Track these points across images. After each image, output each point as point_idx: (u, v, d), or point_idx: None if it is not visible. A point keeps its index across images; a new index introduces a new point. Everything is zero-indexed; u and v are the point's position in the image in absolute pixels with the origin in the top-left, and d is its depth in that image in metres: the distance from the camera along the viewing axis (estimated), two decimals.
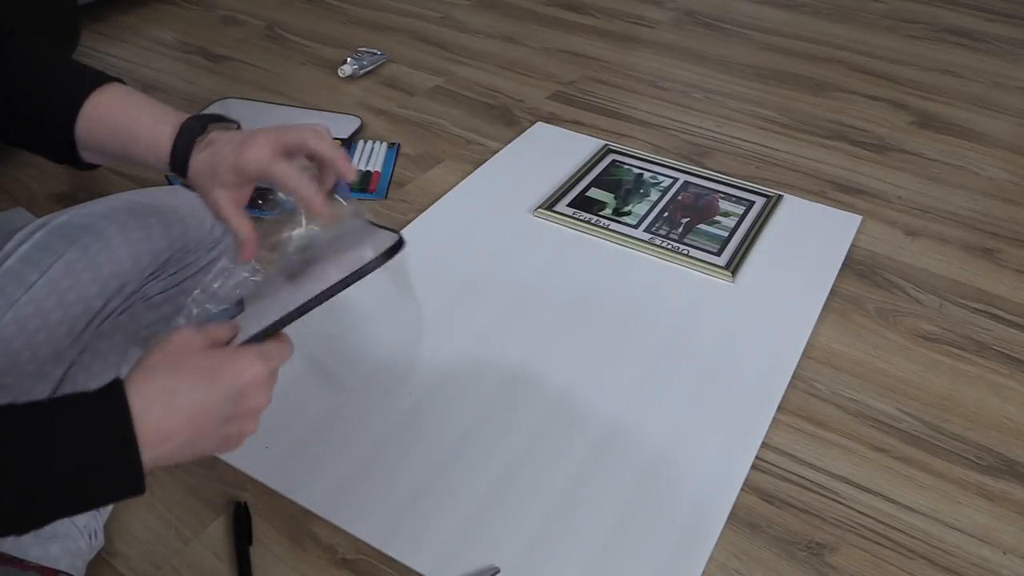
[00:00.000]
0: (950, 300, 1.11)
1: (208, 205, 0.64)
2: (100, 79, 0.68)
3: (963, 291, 1.13)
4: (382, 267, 0.56)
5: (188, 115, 0.66)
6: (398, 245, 0.56)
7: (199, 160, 0.64)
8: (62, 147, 0.67)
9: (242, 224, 0.64)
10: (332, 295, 0.55)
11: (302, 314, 0.55)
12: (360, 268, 0.55)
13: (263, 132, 0.62)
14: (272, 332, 0.56)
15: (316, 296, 0.55)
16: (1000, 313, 1.09)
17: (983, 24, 1.93)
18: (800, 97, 1.61)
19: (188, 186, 0.67)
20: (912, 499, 0.85)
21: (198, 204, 0.72)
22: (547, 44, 1.80)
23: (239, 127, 0.69)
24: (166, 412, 0.50)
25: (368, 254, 0.56)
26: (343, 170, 0.62)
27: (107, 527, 0.77)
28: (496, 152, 1.40)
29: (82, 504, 0.50)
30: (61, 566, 0.68)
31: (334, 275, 0.56)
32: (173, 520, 0.81)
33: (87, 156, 0.68)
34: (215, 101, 1.53)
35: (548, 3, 2.01)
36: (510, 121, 1.50)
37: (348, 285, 0.55)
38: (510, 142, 1.43)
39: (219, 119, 0.67)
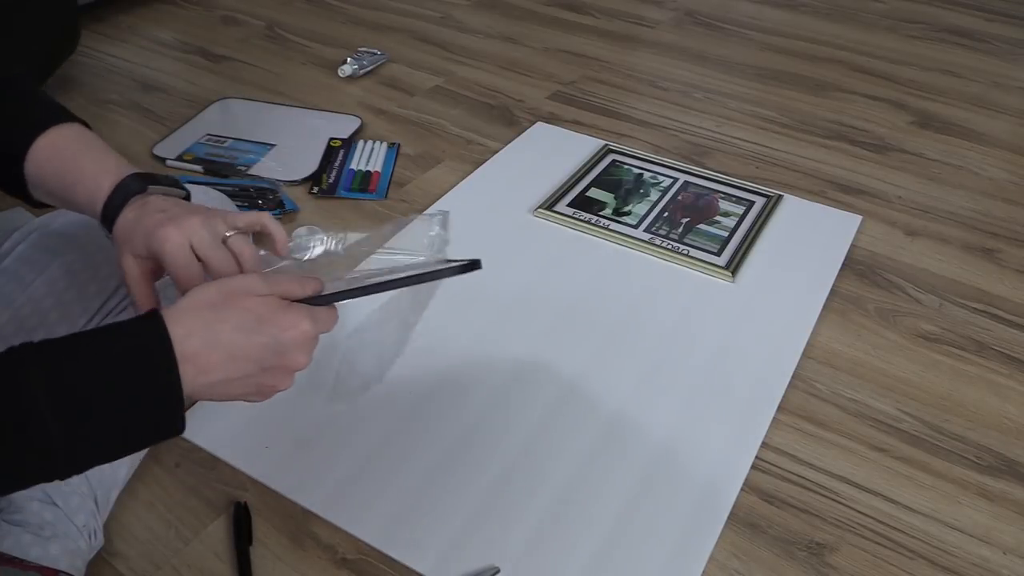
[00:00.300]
0: (950, 300, 1.11)
1: (118, 267, 0.63)
2: (58, 118, 0.66)
3: (963, 291, 1.13)
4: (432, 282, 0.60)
5: (133, 170, 0.64)
6: (476, 263, 0.60)
7: (126, 219, 0.62)
8: (14, 182, 0.66)
9: (143, 299, 0.63)
10: (401, 285, 0.58)
11: (364, 294, 0.58)
12: (437, 269, 0.60)
13: (189, 218, 0.61)
14: (328, 302, 0.58)
15: (385, 281, 0.58)
16: (1000, 313, 1.09)
17: (983, 24, 1.93)
18: (800, 97, 1.61)
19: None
20: (912, 499, 0.85)
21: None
22: (547, 44, 1.80)
23: (188, 196, 0.68)
24: (206, 345, 0.51)
25: (446, 263, 0.60)
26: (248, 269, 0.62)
27: (107, 527, 0.77)
28: (496, 152, 1.40)
29: (122, 439, 0.50)
30: (61, 566, 0.68)
31: (408, 270, 0.60)
32: (173, 520, 0.81)
33: (36, 194, 0.67)
34: (215, 101, 1.53)
35: (548, 3, 2.01)
36: (510, 121, 1.50)
37: (419, 281, 0.59)
38: (510, 142, 1.43)
39: (164, 181, 0.66)
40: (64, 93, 1.57)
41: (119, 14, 1.88)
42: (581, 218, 1.22)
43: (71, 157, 0.64)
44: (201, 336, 0.51)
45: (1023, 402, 0.96)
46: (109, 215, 0.62)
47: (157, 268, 0.63)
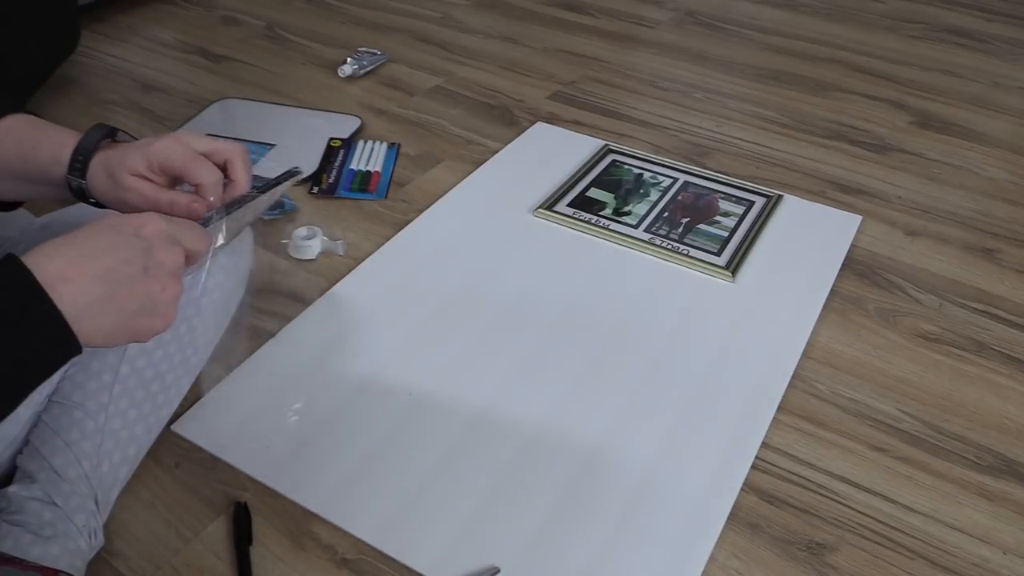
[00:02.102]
0: (950, 300, 1.11)
1: (120, 196, 0.67)
2: (7, 109, 0.70)
3: (963, 291, 1.13)
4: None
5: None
6: (296, 171, 0.81)
7: (105, 155, 0.67)
8: None
9: (172, 197, 0.67)
10: (256, 197, 0.72)
11: (227, 213, 0.67)
12: (276, 181, 0.77)
13: (169, 135, 0.68)
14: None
15: (243, 197, 0.70)
16: (1000, 313, 1.09)
17: (983, 24, 1.93)
18: (800, 97, 1.61)
19: (84, 197, 0.69)
20: (912, 499, 0.85)
21: None
22: (547, 44, 1.80)
23: None
24: (68, 258, 0.52)
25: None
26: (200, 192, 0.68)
27: (107, 527, 0.77)
28: (496, 152, 1.40)
29: (17, 373, 0.50)
30: (61, 566, 0.68)
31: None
32: (173, 520, 0.81)
33: None
34: (215, 101, 1.53)
35: (548, 3, 2.01)
36: (510, 121, 1.50)
37: (263, 192, 0.74)
38: (510, 142, 1.43)
39: (124, 133, 0.71)
40: (64, 93, 1.57)
41: (119, 14, 1.88)
42: (581, 218, 1.22)
43: (28, 131, 0.69)
44: (60, 254, 0.52)
45: (1023, 402, 0.96)
46: (79, 161, 0.67)
47: (158, 184, 0.68)
